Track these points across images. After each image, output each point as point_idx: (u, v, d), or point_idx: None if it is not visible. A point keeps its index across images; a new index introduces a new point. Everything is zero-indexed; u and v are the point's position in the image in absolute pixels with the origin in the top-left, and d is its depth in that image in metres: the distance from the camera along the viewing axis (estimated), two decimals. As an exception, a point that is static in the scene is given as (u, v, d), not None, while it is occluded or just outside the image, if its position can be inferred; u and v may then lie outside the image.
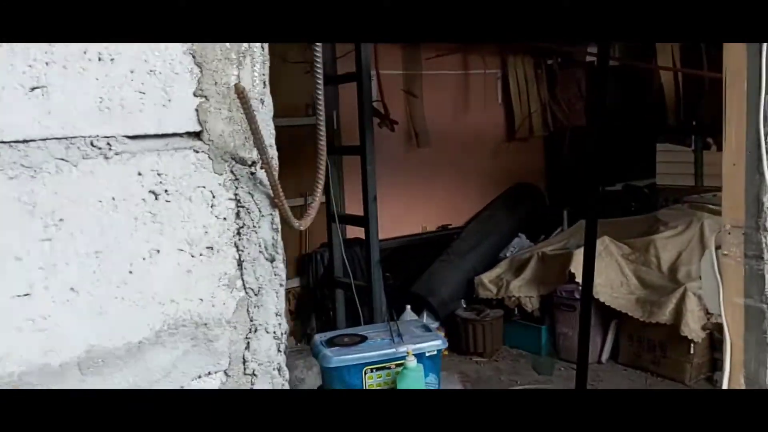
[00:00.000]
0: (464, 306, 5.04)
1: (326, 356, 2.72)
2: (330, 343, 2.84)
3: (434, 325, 4.98)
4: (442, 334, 4.86)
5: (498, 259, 5.25)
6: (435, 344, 2.80)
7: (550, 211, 5.87)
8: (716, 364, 4.15)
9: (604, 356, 4.51)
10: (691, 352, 4.07)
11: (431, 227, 5.43)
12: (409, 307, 4.91)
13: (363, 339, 2.84)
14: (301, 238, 4.83)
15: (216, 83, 1.06)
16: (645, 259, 4.49)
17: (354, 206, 3.76)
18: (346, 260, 3.89)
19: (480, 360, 4.71)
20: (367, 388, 2.65)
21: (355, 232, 4.35)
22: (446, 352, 4.85)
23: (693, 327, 4.00)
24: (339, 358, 2.68)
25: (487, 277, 4.96)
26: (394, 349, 2.72)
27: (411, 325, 3.13)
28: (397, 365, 2.70)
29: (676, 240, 4.51)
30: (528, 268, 4.82)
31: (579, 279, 4.41)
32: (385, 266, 5.05)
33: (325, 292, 4.53)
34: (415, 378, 2.59)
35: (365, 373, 2.65)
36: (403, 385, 2.57)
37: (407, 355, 2.65)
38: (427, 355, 2.71)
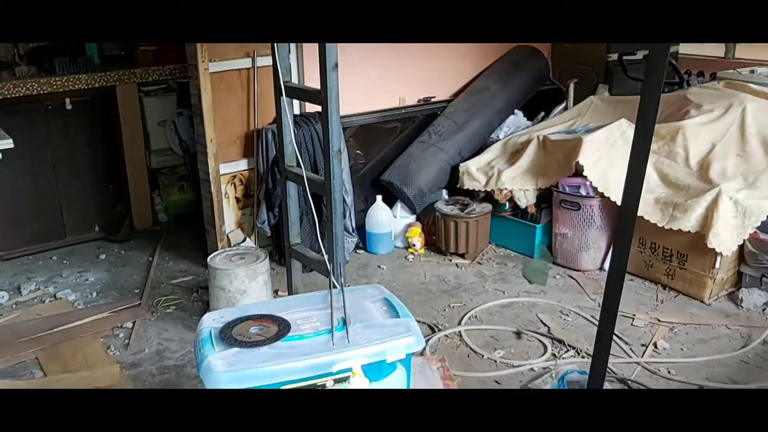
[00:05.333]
0: (446, 198, 4.26)
1: (212, 370, 1.65)
2: (225, 336, 1.78)
3: (410, 219, 4.23)
4: (419, 237, 4.12)
5: (489, 142, 4.39)
6: (402, 345, 1.79)
7: (553, 83, 4.94)
8: (742, 279, 3.49)
9: (608, 263, 3.80)
10: (716, 266, 3.37)
11: (411, 100, 4.50)
12: (380, 197, 4.15)
13: (282, 329, 1.81)
14: (248, 111, 3.90)
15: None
16: (670, 150, 3.67)
17: (316, 75, 2.82)
18: (296, 146, 3.01)
19: (461, 263, 4.00)
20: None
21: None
22: (422, 251, 4.15)
23: (724, 238, 3.27)
24: (233, 374, 1.64)
25: (474, 165, 4.13)
26: (331, 357, 1.71)
27: (367, 297, 2.02)
28: (337, 381, 1.72)
29: (711, 128, 3.66)
30: (525, 155, 3.98)
31: (587, 172, 3.63)
32: (355, 144, 4.23)
33: (276, 179, 3.69)
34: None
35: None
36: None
37: (352, 374, 1.73)
38: (388, 362, 1.78)
